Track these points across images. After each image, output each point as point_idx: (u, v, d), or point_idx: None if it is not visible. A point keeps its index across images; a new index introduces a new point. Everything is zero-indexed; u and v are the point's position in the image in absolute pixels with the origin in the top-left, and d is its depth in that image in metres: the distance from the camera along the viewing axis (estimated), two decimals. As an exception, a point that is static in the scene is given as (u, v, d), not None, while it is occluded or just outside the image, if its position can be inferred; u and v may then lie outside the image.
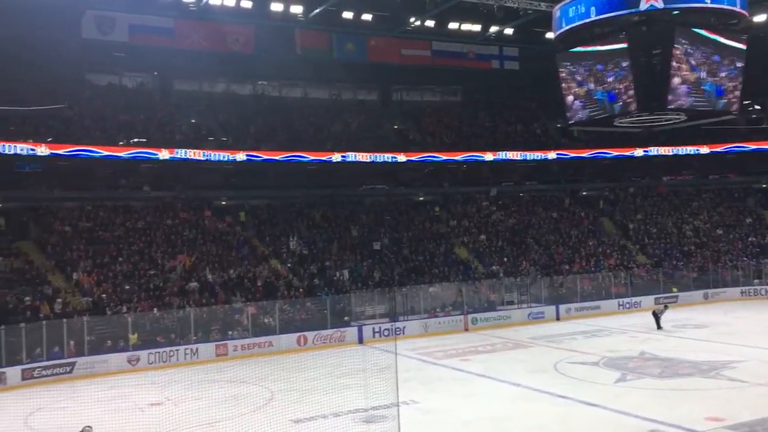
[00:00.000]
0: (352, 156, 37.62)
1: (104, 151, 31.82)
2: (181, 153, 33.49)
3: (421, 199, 42.31)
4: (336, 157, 37.24)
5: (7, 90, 31.36)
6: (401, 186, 42.05)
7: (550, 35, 28.24)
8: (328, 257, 34.79)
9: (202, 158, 34.15)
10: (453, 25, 40.12)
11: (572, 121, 25.58)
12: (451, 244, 38.85)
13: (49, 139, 30.97)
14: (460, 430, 15.92)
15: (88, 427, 13.81)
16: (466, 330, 31.24)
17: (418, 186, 42.53)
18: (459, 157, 41.15)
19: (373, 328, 29.43)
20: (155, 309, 27.36)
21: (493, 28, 40.49)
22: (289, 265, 33.67)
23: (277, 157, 36.02)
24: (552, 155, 43.31)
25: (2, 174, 31.62)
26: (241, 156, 35.07)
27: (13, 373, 22.50)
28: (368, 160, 38.29)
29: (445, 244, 38.55)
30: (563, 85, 24.70)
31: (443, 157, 40.79)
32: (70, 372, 23.50)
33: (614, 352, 24.65)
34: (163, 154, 33.08)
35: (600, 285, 36.15)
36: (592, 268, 38.07)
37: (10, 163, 30.85)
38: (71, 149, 31.00)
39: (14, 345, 22.86)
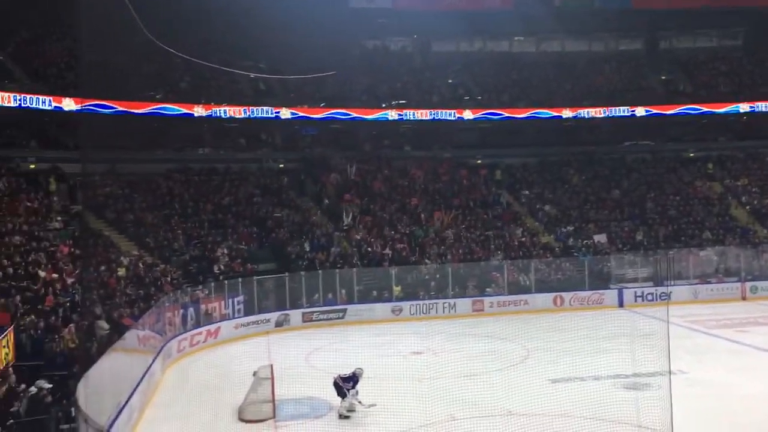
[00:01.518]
0: (584, 112, 35.78)
1: (369, 116, 34.04)
2: (437, 114, 34.71)
3: (691, 155, 38.80)
4: (566, 113, 35.65)
5: (287, 60, 34.55)
6: (670, 142, 38.95)
7: None
8: (586, 216, 33.64)
9: (457, 118, 34.95)
10: (735, -42, 35.77)
11: None
12: (726, 205, 35.25)
13: (322, 104, 33.76)
14: (735, 406, 14.59)
15: (360, 368, 15.03)
16: (744, 299, 28.36)
17: (688, 141, 39.08)
18: (739, 108, 36.93)
19: (635, 292, 27.98)
20: (416, 263, 28.75)
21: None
22: (544, 224, 33.19)
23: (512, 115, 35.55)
24: None
25: (284, 137, 35.40)
26: (485, 113, 35.16)
27: (295, 315, 25.26)
28: (602, 115, 35.99)
29: (719, 206, 35.08)
30: None
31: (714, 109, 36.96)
32: (342, 318, 25.73)
33: None
34: (422, 115, 34.50)
35: None
36: None
37: (290, 127, 34.39)
38: (340, 111, 33.56)
39: (296, 291, 25.58)
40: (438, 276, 27.68)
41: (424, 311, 26.52)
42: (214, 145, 33.95)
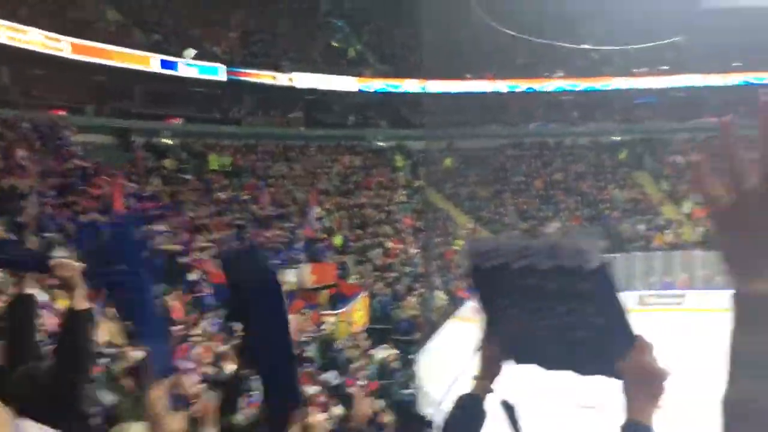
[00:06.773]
0: None
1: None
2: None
3: None
4: None
5: (622, 29, 32.54)
6: None
7: None
8: None
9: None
10: None
11: None
12: None
13: (664, 67, 31.32)
14: None
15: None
16: None
17: None
18: None
19: None
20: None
21: None
22: None
23: None
24: None
25: (620, 109, 33.60)
26: None
27: (629, 297, 23.93)
28: None
29: None
30: None
31: None
32: (680, 304, 23.71)
33: None
34: None
35: None
36: None
37: (626, 98, 32.61)
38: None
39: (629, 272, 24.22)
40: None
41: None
42: (546, 119, 33.68)
